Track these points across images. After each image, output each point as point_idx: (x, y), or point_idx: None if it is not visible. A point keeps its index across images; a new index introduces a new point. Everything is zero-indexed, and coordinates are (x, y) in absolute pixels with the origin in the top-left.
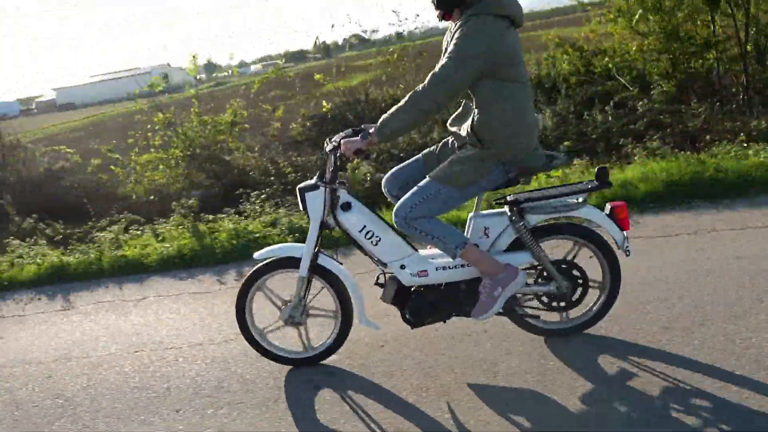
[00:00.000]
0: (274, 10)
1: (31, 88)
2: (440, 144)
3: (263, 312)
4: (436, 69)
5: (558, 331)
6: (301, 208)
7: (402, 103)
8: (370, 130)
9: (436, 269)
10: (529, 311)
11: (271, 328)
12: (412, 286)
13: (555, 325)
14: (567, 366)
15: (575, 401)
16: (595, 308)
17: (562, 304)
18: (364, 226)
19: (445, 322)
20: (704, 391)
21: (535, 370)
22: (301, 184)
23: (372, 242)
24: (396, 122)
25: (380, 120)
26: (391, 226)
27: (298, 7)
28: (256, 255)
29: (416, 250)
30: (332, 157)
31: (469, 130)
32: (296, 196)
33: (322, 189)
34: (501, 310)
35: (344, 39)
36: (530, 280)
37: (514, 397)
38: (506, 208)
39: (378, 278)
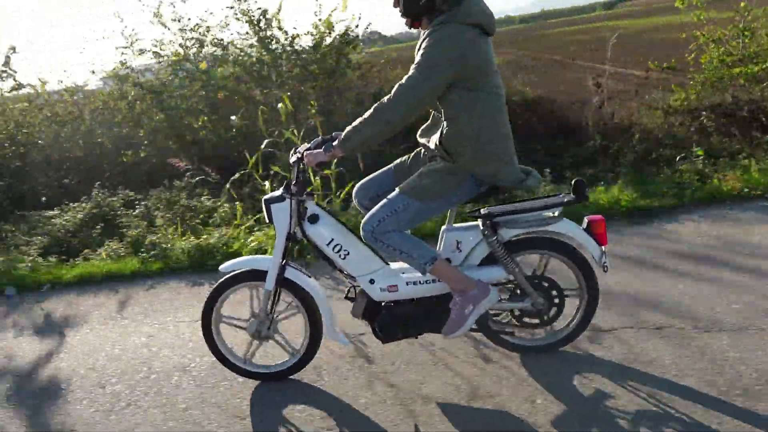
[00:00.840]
0: None
1: None
2: (412, 155)
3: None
4: (403, 79)
5: (536, 348)
6: (267, 220)
7: (367, 115)
8: (334, 143)
9: (407, 284)
10: (505, 327)
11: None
12: (382, 301)
13: (531, 342)
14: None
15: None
16: (573, 323)
17: (537, 321)
18: (332, 239)
19: (416, 337)
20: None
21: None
22: (267, 196)
23: (340, 255)
24: (360, 135)
25: (344, 132)
26: (361, 239)
27: None
28: (222, 267)
29: (387, 264)
30: (297, 168)
31: (437, 142)
32: (261, 207)
33: (288, 200)
34: (474, 327)
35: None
36: (504, 296)
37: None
38: (479, 222)
39: (348, 292)
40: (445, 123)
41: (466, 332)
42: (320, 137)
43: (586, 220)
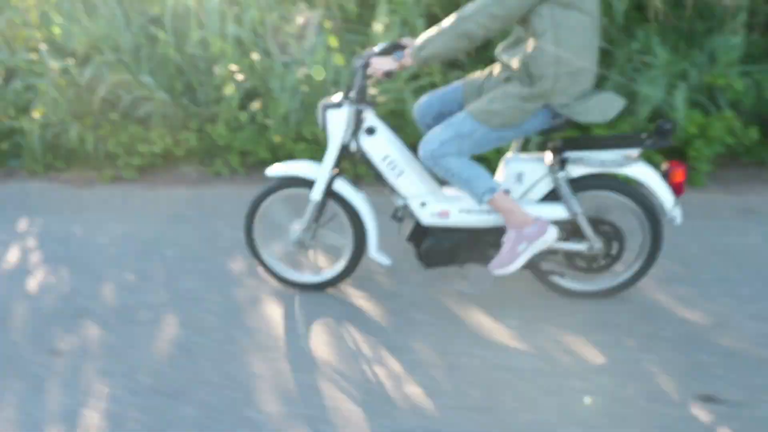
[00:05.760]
0: None
1: None
2: (486, 72)
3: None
4: None
5: (583, 293)
6: (321, 127)
7: (446, 23)
8: (406, 50)
9: (459, 212)
10: (555, 269)
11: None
12: (431, 225)
13: (582, 285)
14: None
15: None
16: (626, 274)
17: (591, 265)
18: (388, 155)
19: (461, 267)
20: None
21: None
22: (324, 100)
23: (394, 173)
24: (436, 45)
25: (418, 40)
26: (418, 159)
27: None
28: (268, 171)
29: (440, 187)
30: (361, 73)
31: (520, 62)
32: (317, 112)
33: (346, 108)
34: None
35: None
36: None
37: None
38: (547, 154)
39: (396, 212)
40: (530, 41)
41: (516, 270)
42: (388, 42)
43: (665, 165)
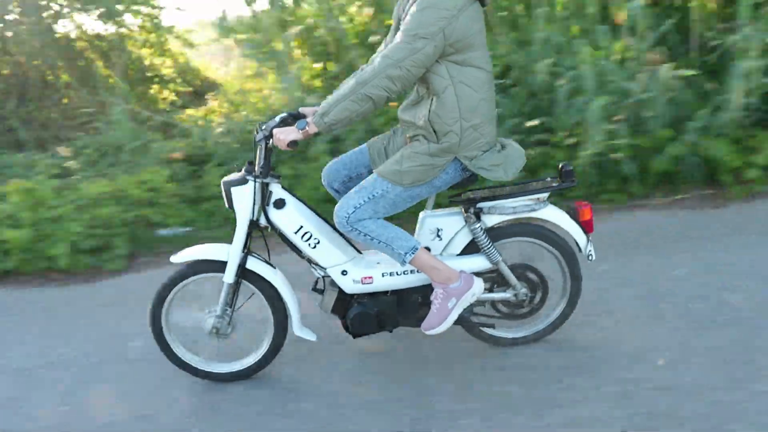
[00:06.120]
0: None
1: None
2: (388, 133)
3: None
4: (387, 50)
5: (518, 339)
6: (227, 205)
7: (347, 88)
8: (308, 119)
9: (383, 275)
10: (484, 320)
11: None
12: (354, 294)
13: (513, 332)
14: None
15: None
16: (554, 314)
17: (520, 311)
18: (301, 227)
19: (390, 332)
20: None
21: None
22: (226, 177)
23: (310, 245)
24: (340, 111)
25: (321, 107)
26: (332, 226)
27: None
28: (173, 258)
29: (360, 253)
30: (263, 146)
31: (425, 120)
32: (220, 190)
33: (251, 183)
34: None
35: None
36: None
37: None
38: (461, 208)
39: (316, 283)
40: (432, 99)
41: (448, 327)
42: (286, 113)
43: (571, 205)
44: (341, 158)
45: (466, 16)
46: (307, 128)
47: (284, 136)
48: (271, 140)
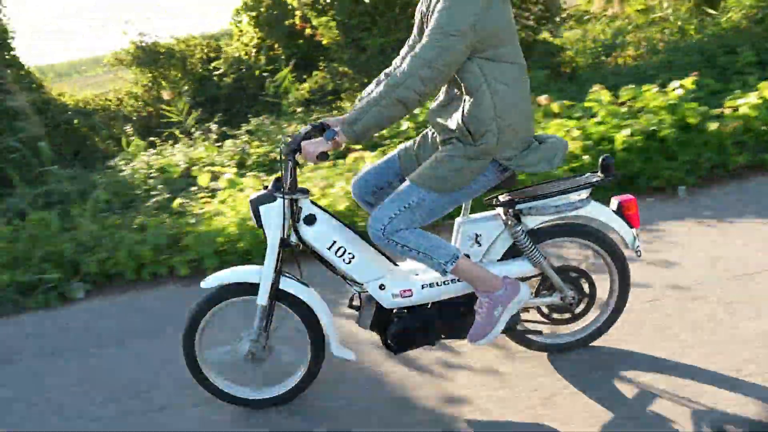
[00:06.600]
0: None
1: None
2: (418, 138)
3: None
4: (416, 49)
5: (561, 346)
6: (255, 224)
7: (377, 93)
8: (336, 128)
9: (422, 287)
10: (530, 326)
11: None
12: (393, 308)
13: (560, 339)
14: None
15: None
16: (602, 319)
17: (567, 316)
18: (334, 242)
19: (433, 345)
20: None
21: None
22: (253, 195)
23: (344, 260)
24: (370, 118)
25: (348, 115)
26: (367, 239)
27: None
28: (203, 283)
29: (397, 265)
30: (290, 161)
31: (459, 121)
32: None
33: (279, 201)
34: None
35: None
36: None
37: None
38: (500, 211)
39: (352, 300)
40: (466, 99)
41: (496, 337)
42: (310, 125)
43: (615, 201)
44: (369, 169)
45: (495, 9)
46: (336, 138)
47: (313, 148)
48: (298, 154)
